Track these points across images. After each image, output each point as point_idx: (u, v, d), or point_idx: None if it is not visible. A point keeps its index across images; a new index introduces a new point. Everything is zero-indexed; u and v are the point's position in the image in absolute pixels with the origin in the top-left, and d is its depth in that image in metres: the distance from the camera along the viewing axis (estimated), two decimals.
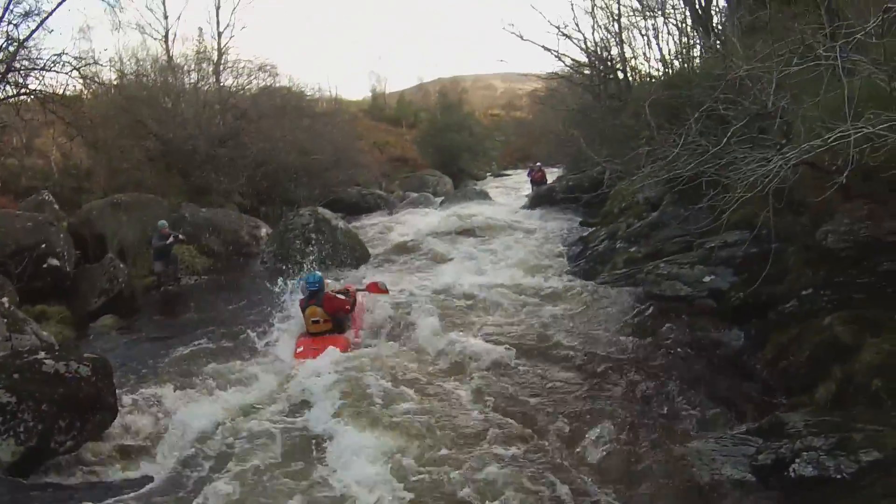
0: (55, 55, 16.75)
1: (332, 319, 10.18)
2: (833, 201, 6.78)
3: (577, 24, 27.67)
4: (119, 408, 7.38)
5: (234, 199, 23.29)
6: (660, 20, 24.22)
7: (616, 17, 25.83)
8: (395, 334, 10.44)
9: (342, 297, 10.64)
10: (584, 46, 27.32)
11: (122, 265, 13.70)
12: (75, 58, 17.73)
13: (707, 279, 9.66)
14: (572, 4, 27.13)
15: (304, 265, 14.42)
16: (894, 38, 5.51)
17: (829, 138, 5.37)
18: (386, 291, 12.49)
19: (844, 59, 5.52)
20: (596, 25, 27.07)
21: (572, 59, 28.15)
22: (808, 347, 6.86)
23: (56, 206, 16.83)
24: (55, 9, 17.29)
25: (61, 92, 17.43)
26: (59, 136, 20.41)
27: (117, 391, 7.51)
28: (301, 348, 9.86)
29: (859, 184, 5.00)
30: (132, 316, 12.93)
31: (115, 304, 12.97)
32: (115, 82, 23.10)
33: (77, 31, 29.64)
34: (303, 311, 10.32)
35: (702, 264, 10.02)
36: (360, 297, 11.63)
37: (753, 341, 8.08)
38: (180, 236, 15.36)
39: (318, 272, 10.94)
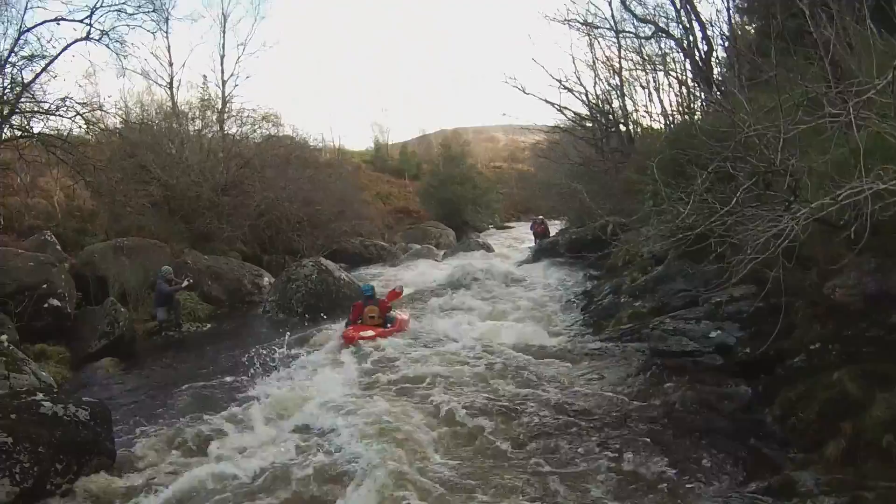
0: (60, 99, 16.91)
1: (382, 316, 13.67)
2: (841, 255, 6.73)
3: (578, 78, 27.80)
4: (116, 453, 7.30)
5: (236, 247, 23.38)
6: (661, 73, 24.56)
7: (617, 71, 26.15)
8: (392, 385, 10.30)
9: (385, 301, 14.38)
10: (585, 100, 27.68)
11: (122, 309, 13.68)
12: (80, 103, 17.89)
13: (713, 334, 9.56)
14: (574, 58, 27.44)
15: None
16: None
17: (839, 196, 5.34)
18: (401, 294, 15.97)
19: (854, 116, 5.52)
20: (597, 79, 27.44)
21: (574, 113, 28.50)
22: (817, 403, 6.75)
23: (58, 247, 16.87)
24: (60, 53, 17.53)
25: (65, 135, 17.57)
26: (63, 177, 20.50)
27: (115, 437, 7.43)
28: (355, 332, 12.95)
29: (868, 238, 4.95)
30: (132, 360, 12.85)
31: (115, 347, 12.92)
32: (119, 126, 23.30)
33: (83, 75, 29.88)
34: (362, 308, 13.62)
35: (708, 319, 9.92)
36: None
37: (761, 397, 7.94)
38: (188, 282, 15.36)
39: (370, 283, 15.63)
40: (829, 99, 6.54)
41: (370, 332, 12.90)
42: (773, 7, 13.85)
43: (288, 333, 12.47)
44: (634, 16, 24.50)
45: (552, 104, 27.88)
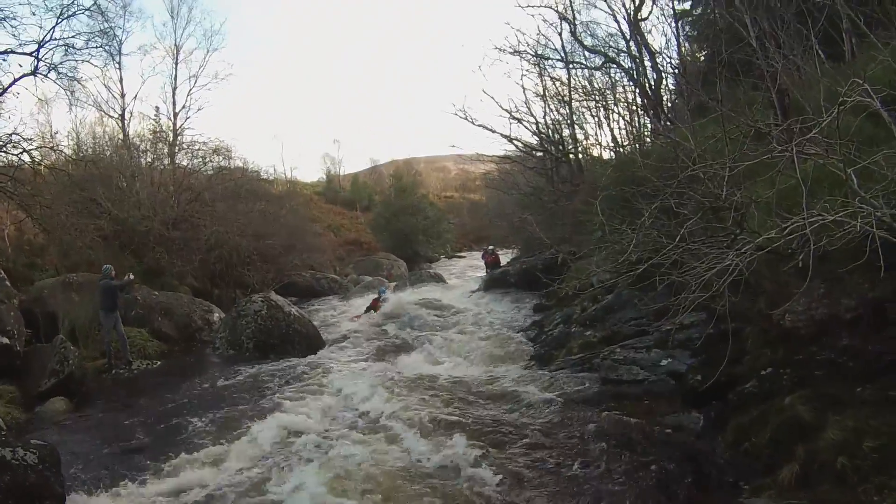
0: (7, 135, 16.64)
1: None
2: (790, 283, 6.86)
3: (529, 108, 28.15)
4: (66, 497, 7.13)
5: (187, 282, 23.08)
6: (610, 103, 24.98)
7: (567, 101, 26.51)
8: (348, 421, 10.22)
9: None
10: (535, 129, 27.97)
11: (72, 347, 13.36)
12: (27, 139, 17.62)
13: (664, 362, 9.69)
14: (524, 89, 27.82)
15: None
16: (846, 122, 5.66)
17: (784, 229, 5.45)
18: (379, 306, 21.48)
19: (799, 152, 5.66)
20: (548, 109, 27.77)
21: (524, 143, 28.78)
22: (770, 428, 6.83)
23: (8, 283, 16.44)
24: (6, 88, 17.27)
25: (13, 169, 17.25)
26: (13, 211, 20.09)
27: (65, 480, 7.27)
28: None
29: (815, 265, 5.06)
30: (83, 399, 12.51)
31: (65, 386, 12.54)
32: (71, 158, 22.99)
33: (35, 106, 29.52)
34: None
35: (659, 348, 10.05)
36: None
37: (713, 424, 8.02)
38: (130, 276, 15.13)
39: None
40: (773, 136, 6.70)
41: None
42: (720, 37, 14.24)
43: (239, 371, 12.31)
44: (584, 47, 25.04)
45: (502, 135, 28.15)
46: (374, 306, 21.73)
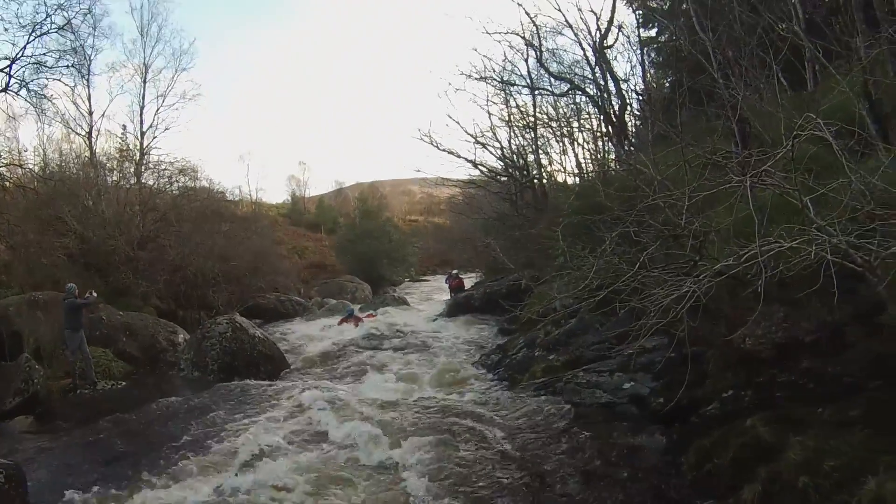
0: None
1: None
2: (749, 308, 7.03)
3: (494, 133, 28.42)
4: None
5: (151, 303, 22.93)
6: (575, 129, 25.31)
7: (532, 127, 26.80)
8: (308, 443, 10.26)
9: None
10: (500, 154, 28.22)
11: (37, 366, 13.26)
12: None
13: (627, 386, 9.81)
14: (490, 114, 28.07)
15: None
16: (804, 150, 5.89)
17: (742, 256, 5.65)
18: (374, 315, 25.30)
19: (755, 182, 5.88)
20: (513, 134, 28.03)
21: (489, 168, 29.01)
22: (732, 449, 6.92)
23: None
24: None
25: None
26: None
27: (30, 499, 7.25)
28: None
29: (774, 290, 5.26)
30: (48, 419, 12.40)
31: (30, 405, 12.48)
32: (37, 175, 22.86)
33: (3, 122, 29.16)
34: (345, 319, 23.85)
35: (621, 371, 10.17)
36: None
37: (676, 446, 8.10)
38: (92, 294, 15.00)
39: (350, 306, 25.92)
40: (730, 167, 6.92)
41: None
42: (682, 66, 14.57)
43: (204, 393, 12.27)
44: (550, 73, 25.33)
45: (467, 160, 28.35)
46: (351, 321, 23.36)
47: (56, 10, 18.31)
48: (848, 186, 5.54)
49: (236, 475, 8.72)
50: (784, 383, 7.39)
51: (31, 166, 24.70)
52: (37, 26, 17.93)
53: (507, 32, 25.82)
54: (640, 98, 22.21)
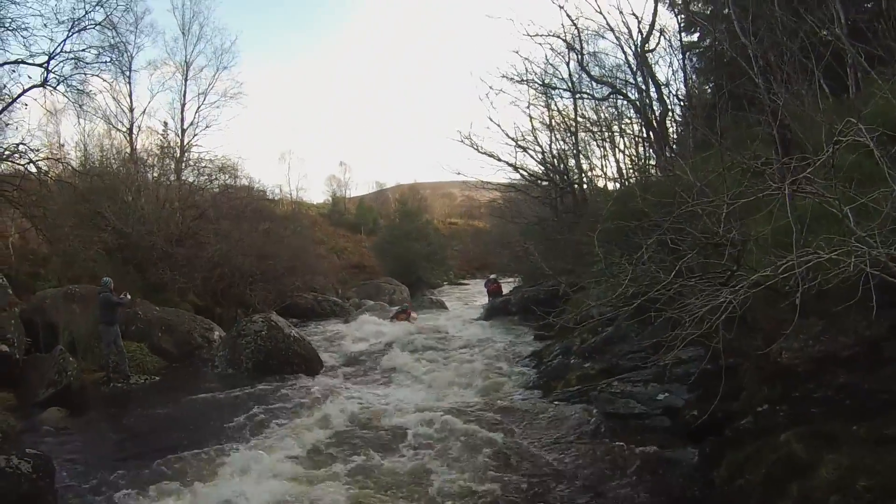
0: (14, 145, 16.76)
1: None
2: (787, 320, 6.85)
3: (535, 137, 28.27)
4: None
5: (188, 299, 23.15)
6: (616, 134, 25.06)
7: (573, 131, 26.60)
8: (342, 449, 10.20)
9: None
10: (541, 159, 28.04)
11: (71, 358, 13.38)
12: (34, 149, 17.75)
13: (661, 397, 9.63)
14: (531, 117, 27.79)
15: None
16: (844, 158, 5.70)
17: (780, 267, 5.48)
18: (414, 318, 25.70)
19: (793, 190, 5.71)
20: (554, 138, 27.83)
21: (529, 172, 28.85)
22: (765, 465, 6.77)
23: (10, 291, 16.47)
24: (15, 99, 17.45)
25: (20, 177, 17.38)
26: (18, 219, 20.15)
27: (58, 491, 7.30)
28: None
29: (812, 302, 5.09)
30: (80, 411, 12.49)
31: (63, 397, 12.56)
32: (77, 170, 23.18)
33: (44, 116, 29.68)
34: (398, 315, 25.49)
35: (656, 382, 10.00)
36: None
37: (709, 459, 7.96)
38: (127, 296, 15.11)
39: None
40: (769, 174, 6.74)
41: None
42: (723, 71, 14.31)
43: (237, 390, 12.30)
44: (591, 77, 25.09)
45: (507, 163, 28.24)
46: (403, 318, 24.60)
47: (95, 6, 18.44)
48: (890, 196, 5.36)
49: (258, 482, 8.66)
50: (819, 399, 7.16)
51: (71, 161, 25.08)
52: (76, 22, 18.09)
53: (549, 35, 25.62)
54: (682, 103, 21.91)
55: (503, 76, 27.45)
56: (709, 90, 20.18)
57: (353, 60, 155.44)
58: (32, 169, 17.64)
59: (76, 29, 18.17)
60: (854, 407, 6.65)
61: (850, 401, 6.75)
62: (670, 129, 21.50)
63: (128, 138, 30.45)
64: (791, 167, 6.18)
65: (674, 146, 20.33)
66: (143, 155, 29.75)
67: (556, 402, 11.86)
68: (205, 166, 30.13)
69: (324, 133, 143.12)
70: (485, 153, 27.78)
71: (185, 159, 30.57)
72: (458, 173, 29.32)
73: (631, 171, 24.89)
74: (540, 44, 26.37)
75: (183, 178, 29.52)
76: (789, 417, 7.22)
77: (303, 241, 34.50)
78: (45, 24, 17.93)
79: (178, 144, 31.47)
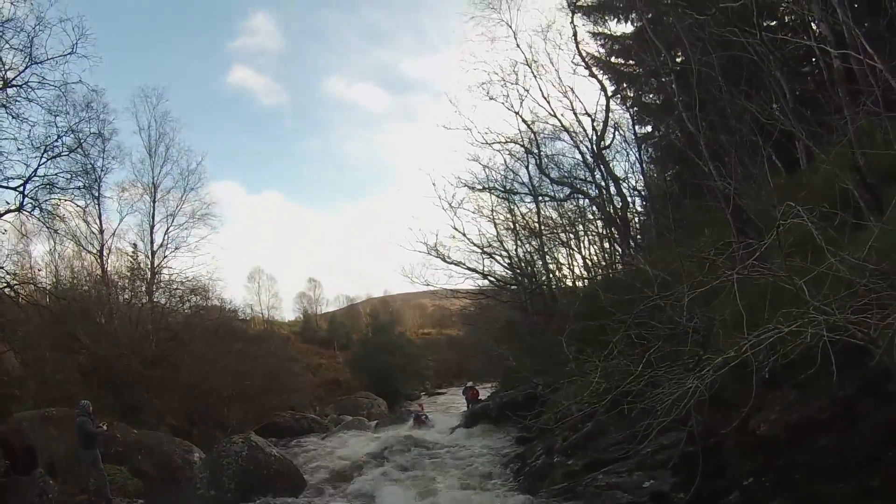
0: None
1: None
2: (760, 393, 7.08)
3: (501, 242, 28.82)
4: None
5: (166, 421, 22.89)
6: (580, 231, 25.65)
7: (537, 233, 27.16)
8: None
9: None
10: (508, 263, 28.51)
11: (51, 481, 13.20)
12: (10, 273, 17.87)
13: (647, 484, 9.74)
14: (495, 223, 28.35)
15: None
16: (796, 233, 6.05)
17: (742, 347, 5.76)
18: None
19: (746, 274, 6.06)
20: (519, 241, 28.37)
21: (498, 277, 29.28)
22: None
23: None
24: None
25: None
26: None
27: None
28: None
29: (783, 373, 5.35)
30: None
31: None
32: (50, 292, 23.21)
33: (16, 239, 29.65)
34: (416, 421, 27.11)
35: (640, 470, 10.11)
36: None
37: None
38: (104, 426, 14.97)
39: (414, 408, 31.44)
40: (721, 261, 7.11)
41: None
42: (677, 160, 14.87)
43: None
44: (550, 179, 25.87)
45: (475, 271, 28.69)
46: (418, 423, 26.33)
47: (67, 131, 18.91)
48: (841, 264, 5.70)
49: None
50: (803, 463, 7.33)
51: (43, 283, 25.12)
52: (48, 148, 18.52)
53: (506, 141, 26.53)
54: (641, 195, 22.64)
55: (465, 185, 28.19)
56: (667, 178, 20.85)
57: (321, 180, 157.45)
58: (9, 292, 17.70)
59: (49, 154, 18.56)
60: (837, 466, 6.83)
61: (832, 460, 6.93)
62: (633, 221, 22.11)
63: (98, 260, 30.43)
64: (740, 254, 6.56)
65: (637, 237, 20.90)
66: (115, 277, 29.84)
67: (543, 501, 11.85)
68: (176, 288, 30.25)
69: (292, 250, 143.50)
70: (452, 262, 28.30)
71: (156, 281, 30.63)
72: (427, 284, 29.57)
73: (598, 265, 25.41)
74: (498, 150, 27.17)
75: (155, 299, 29.56)
76: (775, 486, 7.38)
77: (277, 360, 34.34)
78: (18, 149, 18.16)
79: (149, 266, 31.50)
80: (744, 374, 6.83)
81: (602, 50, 23.50)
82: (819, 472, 6.99)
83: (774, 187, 10.96)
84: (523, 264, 28.51)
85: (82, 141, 19.90)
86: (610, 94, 22.58)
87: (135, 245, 32.75)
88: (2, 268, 17.62)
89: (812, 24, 13.11)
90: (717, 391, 6.85)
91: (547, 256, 28.14)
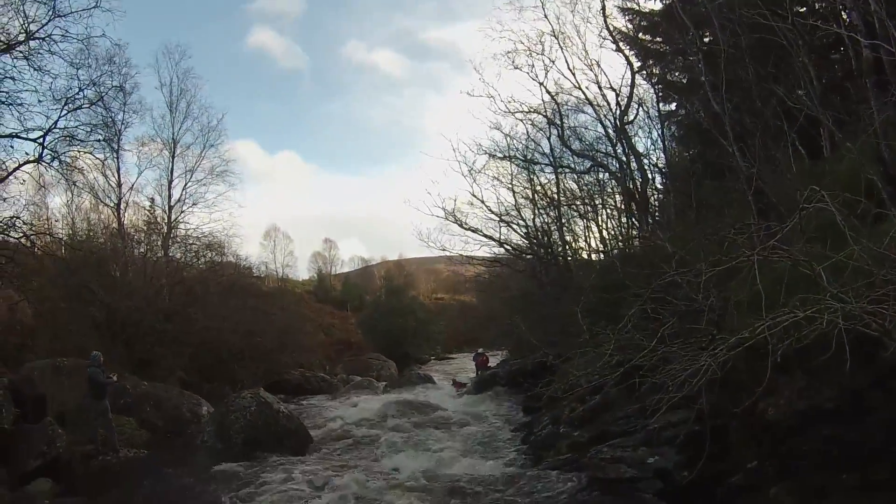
0: (9, 218, 16.89)
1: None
2: (771, 377, 7.02)
3: (518, 211, 28.63)
4: None
5: (177, 375, 23.03)
6: (598, 205, 25.45)
7: (556, 204, 26.96)
8: None
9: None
10: (525, 233, 28.34)
11: (60, 430, 13.32)
12: (27, 223, 17.90)
13: (651, 460, 9.71)
14: (514, 192, 28.10)
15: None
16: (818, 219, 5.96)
17: (756, 329, 5.69)
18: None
19: (764, 256, 5.97)
20: (537, 211, 28.16)
21: (514, 246, 29.13)
22: None
23: None
24: (10, 174, 17.63)
25: (12, 251, 17.47)
26: (6, 289, 20.13)
27: None
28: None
29: (795, 359, 5.29)
30: (68, 483, 12.35)
31: (52, 468, 12.43)
32: (66, 243, 23.30)
33: (34, 190, 29.60)
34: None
35: (645, 446, 10.08)
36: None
37: None
38: (114, 377, 15.11)
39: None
40: (742, 241, 7.01)
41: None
42: (701, 140, 14.68)
43: (225, 465, 12.20)
44: (572, 151, 25.61)
45: (492, 239, 28.58)
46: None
47: (88, 84, 18.79)
48: (861, 253, 5.60)
49: None
50: (807, 451, 7.29)
51: (59, 234, 25.22)
52: (69, 100, 18.41)
53: (529, 111, 26.26)
54: (662, 172, 22.40)
55: (485, 152, 27.96)
56: (689, 157, 20.62)
57: (339, 136, 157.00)
58: (25, 243, 17.77)
59: (70, 107, 18.46)
60: (841, 457, 6.79)
61: (837, 451, 6.89)
62: (651, 198, 21.90)
63: (115, 213, 30.48)
64: (760, 236, 6.46)
65: (656, 214, 20.71)
66: (131, 230, 29.89)
67: (547, 471, 11.87)
68: (192, 243, 30.32)
69: (309, 210, 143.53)
70: (469, 229, 28.14)
71: (172, 235, 30.70)
72: (443, 249, 29.40)
73: (615, 240, 25.24)
74: (521, 120, 26.85)
75: (170, 254, 29.66)
76: (778, 472, 7.35)
77: (290, 318, 34.46)
78: (39, 101, 18.01)
79: (166, 221, 31.55)
80: (755, 356, 6.76)
81: (630, 25, 23.10)
82: (823, 461, 6.96)
83: (797, 172, 10.82)
84: (540, 234, 28.32)
85: (103, 94, 19.75)
86: (636, 69, 22.27)
87: (152, 199, 32.81)
88: (18, 218, 17.58)
89: (843, 13, 12.86)
90: (727, 372, 6.79)
91: (564, 228, 27.98)
